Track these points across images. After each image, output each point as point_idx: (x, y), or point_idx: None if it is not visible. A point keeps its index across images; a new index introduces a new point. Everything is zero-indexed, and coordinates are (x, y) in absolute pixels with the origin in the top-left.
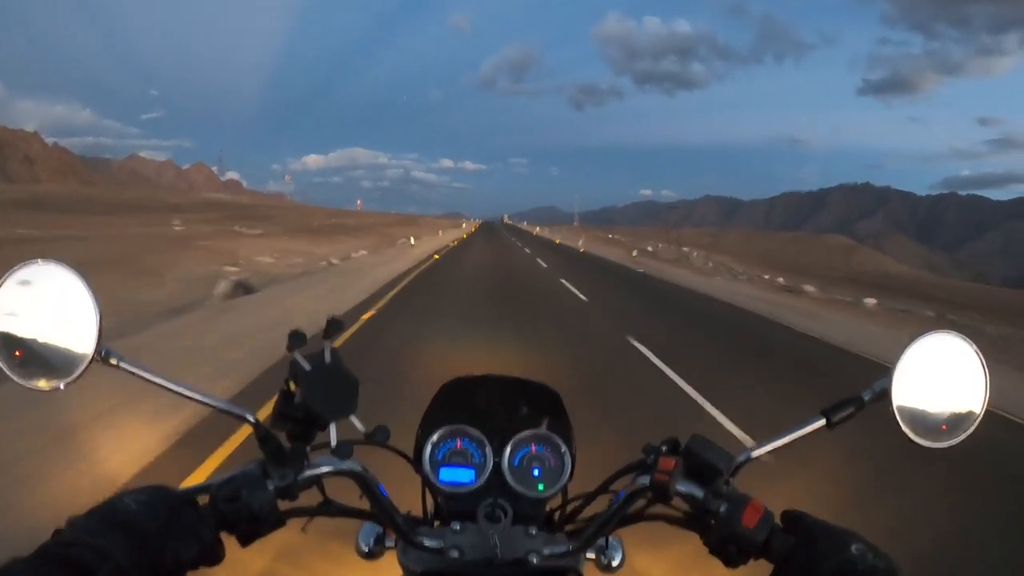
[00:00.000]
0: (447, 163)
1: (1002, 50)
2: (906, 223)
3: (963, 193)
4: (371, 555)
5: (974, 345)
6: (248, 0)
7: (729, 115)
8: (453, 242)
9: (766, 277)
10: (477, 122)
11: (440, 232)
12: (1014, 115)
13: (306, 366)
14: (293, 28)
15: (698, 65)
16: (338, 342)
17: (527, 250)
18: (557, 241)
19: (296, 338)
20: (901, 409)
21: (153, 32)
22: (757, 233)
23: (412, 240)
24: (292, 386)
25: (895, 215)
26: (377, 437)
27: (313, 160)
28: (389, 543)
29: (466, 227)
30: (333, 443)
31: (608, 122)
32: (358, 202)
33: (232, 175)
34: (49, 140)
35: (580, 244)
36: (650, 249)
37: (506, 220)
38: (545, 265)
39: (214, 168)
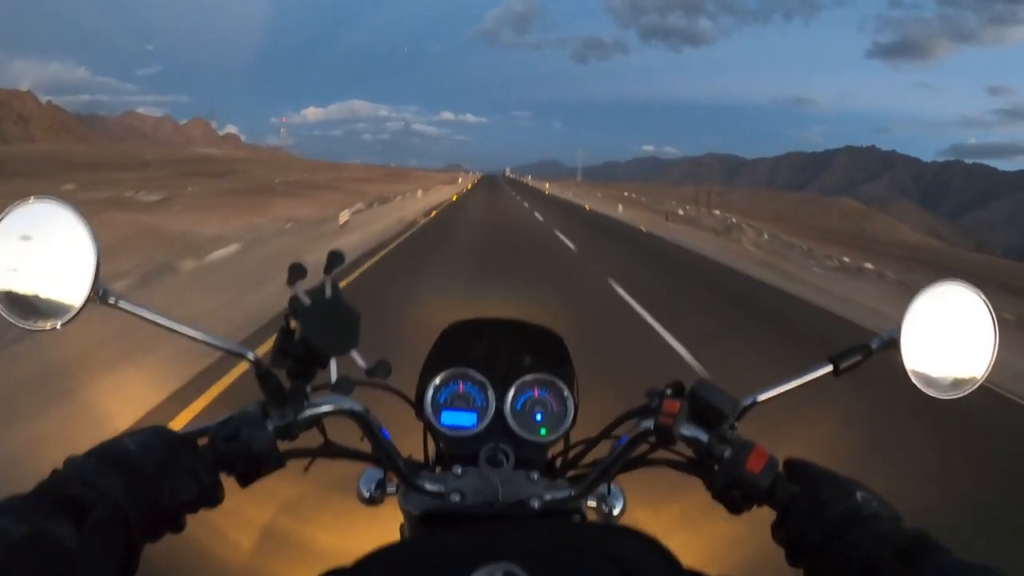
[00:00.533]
0: (448, 116)
1: (1017, 19)
2: (911, 189)
3: (969, 161)
4: (372, 500)
5: (983, 296)
6: None
7: (735, 73)
8: (431, 212)
9: (845, 259)
10: (479, 75)
11: (420, 192)
12: None
13: (306, 301)
14: None
15: (705, 21)
16: None
17: (539, 216)
18: (587, 207)
19: (296, 271)
20: (909, 359)
21: None
22: (765, 192)
23: (364, 208)
24: (292, 322)
25: (900, 180)
26: (378, 372)
27: (312, 113)
28: (390, 488)
29: (463, 182)
30: (333, 379)
31: (612, 77)
32: (357, 161)
33: (230, 129)
34: (44, 99)
35: (587, 205)
36: (681, 213)
37: (508, 174)
38: (574, 248)
39: (212, 123)
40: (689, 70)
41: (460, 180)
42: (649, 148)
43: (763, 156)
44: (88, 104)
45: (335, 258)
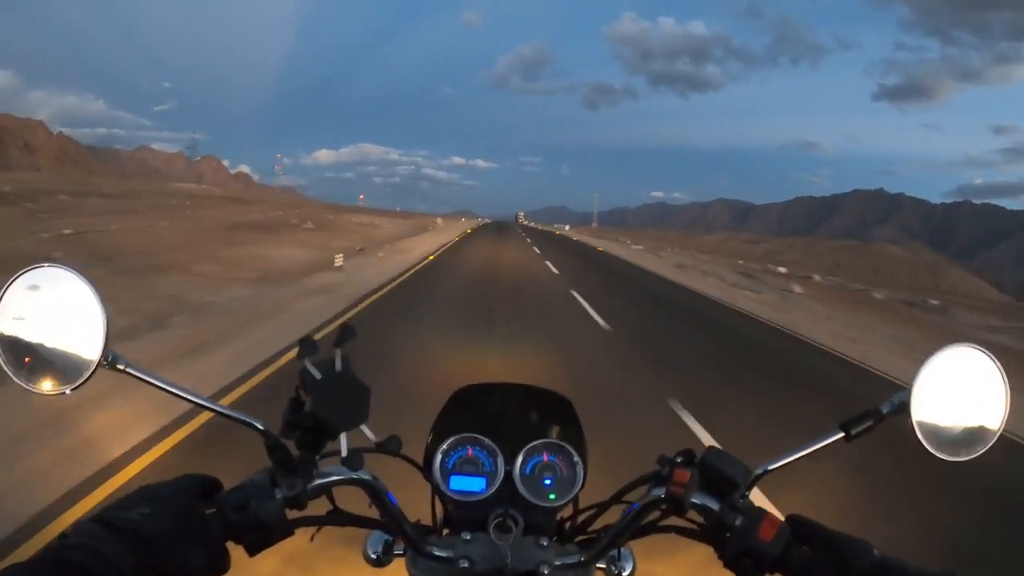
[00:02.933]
0: (458, 160)
1: (1021, 58)
2: (919, 230)
3: (977, 201)
4: (379, 563)
5: (995, 359)
6: None
7: (743, 118)
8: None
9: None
10: (489, 120)
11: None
12: None
13: (316, 374)
14: (307, 21)
15: (713, 67)
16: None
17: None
18: (670, 278)
19: (307, 345)
20: (920, 423)
21: (167, 24)
22: (801, 241)
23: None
24: (302, 394)
25: (908, 222)
26: (389, 447)
27: (324, 155)
28: (398, 551)
29: (448, 233)
30: (344, 452)
31: (621, 123)
32: (360, 197)
33: (243, 168)
34: (59, 129)
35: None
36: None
37: (522, 220)
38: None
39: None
40: (697, 116)
41: (439, 228)
42: (658, 194)
43: (772, 201)
44: (104, 137)
45: (346, 332)
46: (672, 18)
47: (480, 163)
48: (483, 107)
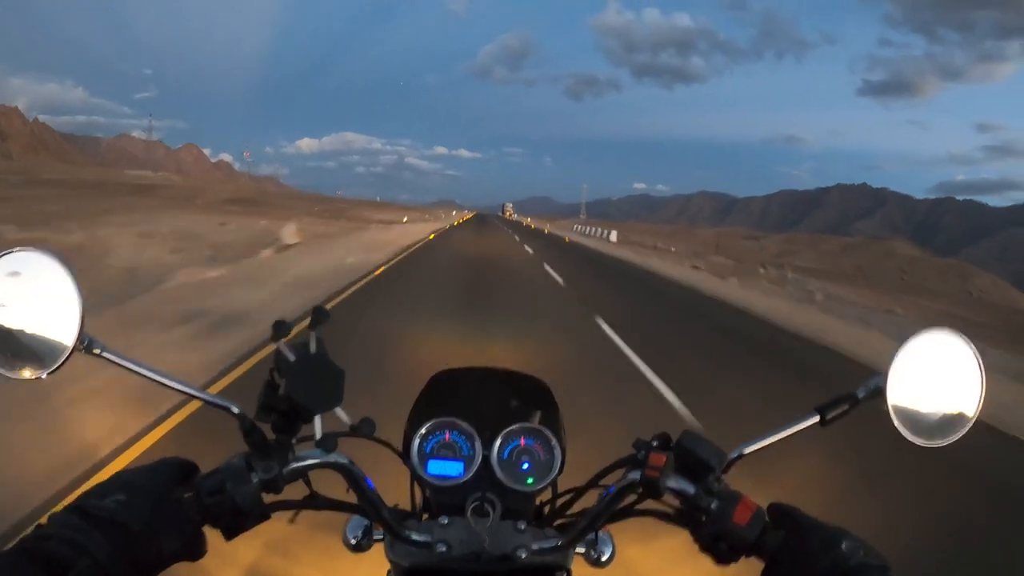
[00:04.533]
0: (441, 150)
1: (1004, 56)
2: (902, 225)
3: (960, 198)
4: (358, 548)
5: (970, 343)
6: None
7: (727, 111)
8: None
9: None
10: (473, 110)
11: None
12: (1013, 122)
13: (291, 356)
14: (290, 9)
15: (697, 59)
16: None
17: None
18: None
19: (281, 328)
20: (896, 407)
21: (149, 11)
22: (805, 238)
23: None
24: (276, 377)
25: (892, 217)
26: (363, 429)
27: (307, 144)
28: (377, 535)
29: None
30: (318, 435)
31: (604, 114)
32: (338, 193)
33: (224, 157)
34: (40, 117)
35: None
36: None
37: (510, 213)
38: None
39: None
40: (681, 108)
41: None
42: (641, 186)
43: (754, 195)
44: (84, 125)
45: (320, 314)
46: (657, 9)
47: (464, 153)
48: (467, 97)
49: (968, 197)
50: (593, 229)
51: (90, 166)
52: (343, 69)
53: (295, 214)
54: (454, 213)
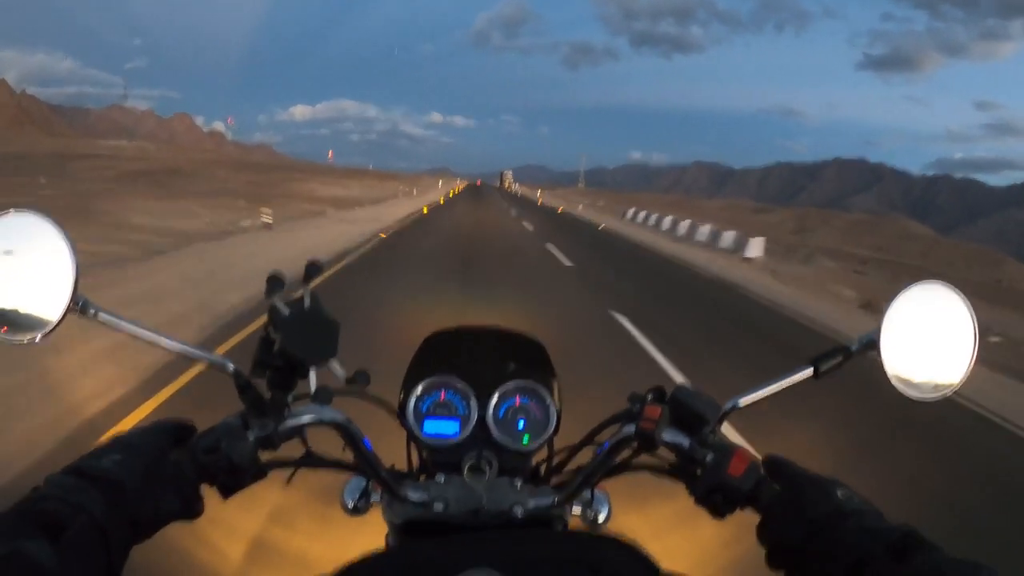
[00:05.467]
0: (436, 117)
1: (1007, 35)
2: (899, 202)
3: (957, 176)
4: (356, 510)
5: (962, 295)
6: None
7: (724, 82)
8: None
9: None
10: (469, 77)
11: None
12: (1012, 100)
13: (285, 311)
14: None
15: (696, 29)
16: None
17: None
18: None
19: (274, 283)
20: (889, 361)
21: None
22: (814, 212)
23: None
24: (271, 332)
25: (889, 193)
26: (358, 381)
27: (300, 111)
28: (374, 497)
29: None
30: (313, 389)
31: (601, 83)
32: (329, 154)
33: (216, 126)
34: (29, 89)
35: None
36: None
37: (509, 184)
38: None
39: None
40: (679, 78)
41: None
42: (636, 155)
43: (751, 166)
44: (75, 96)
45: (313, 268)
46: None
47: (459, 120)
48: (462, 64)
49: (965, 175)
50: (637, 213)
51: (78, 137)
52: (337, 36)
53: (198, 195)
54: (440, 184)
